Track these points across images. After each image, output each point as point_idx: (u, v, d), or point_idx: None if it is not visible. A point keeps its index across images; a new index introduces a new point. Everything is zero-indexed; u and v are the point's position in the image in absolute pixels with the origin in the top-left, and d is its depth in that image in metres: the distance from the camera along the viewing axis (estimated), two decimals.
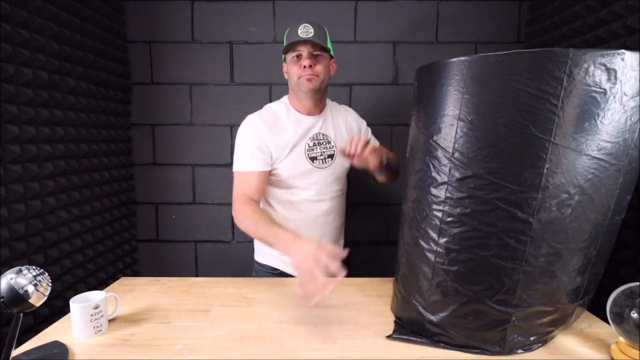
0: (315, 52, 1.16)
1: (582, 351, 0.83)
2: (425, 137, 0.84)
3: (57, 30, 1.25)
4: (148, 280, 1.21)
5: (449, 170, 0.78)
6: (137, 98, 1.76)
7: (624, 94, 0.70)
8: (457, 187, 0.77)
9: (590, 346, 0.85)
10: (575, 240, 0.77)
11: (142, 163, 1.81)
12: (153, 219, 1.84)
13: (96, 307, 0.87)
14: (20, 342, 0.82)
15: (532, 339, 0.82)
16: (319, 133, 1.25)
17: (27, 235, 1.15)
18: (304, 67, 1.15)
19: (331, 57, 1.23)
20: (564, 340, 0.87)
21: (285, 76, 1.25)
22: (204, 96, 1.75)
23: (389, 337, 0.88)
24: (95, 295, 0.90)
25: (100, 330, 0.88)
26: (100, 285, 1.51)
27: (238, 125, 1.23)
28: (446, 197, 0.79)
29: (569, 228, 0.75)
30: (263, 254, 1.36)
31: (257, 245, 1.39)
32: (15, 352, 0.79)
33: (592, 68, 0.67)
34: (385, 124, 1.75)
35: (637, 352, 0.75)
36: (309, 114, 1.24)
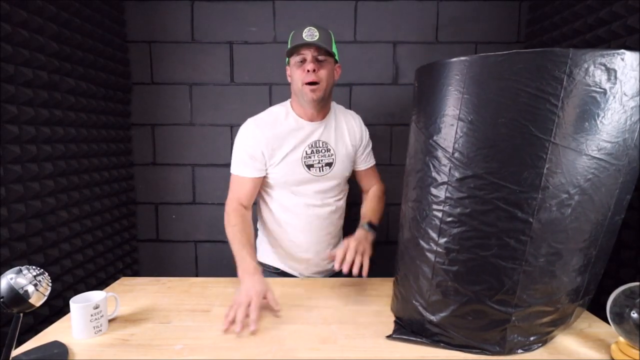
0: (320, 57, 1.13)
1: (582, 351, 0.83)
2: (425, 137, 0.84)
3: (57, 30, 1.25)
4: (148, 280, 1.21)
5: (449, 170, 0.78)
6: (137, 98, 1.76)
7: (624, 94, 0.70)
8: (457, 187, 0.77)
9: (590, 346, 0.85)
10: (575, 240, 0.77)
11: (142, 163, 1.81)
12: (153, 219, 1.84)
13: (96, 307, 0.87)
14: (20, 342, 0.82)
15: (532, 339, 0.82)
16: (319, 140, 1.22)
17: (27, 235, 1.15)
18: (308, 71, 1.12)
19: (336, 61, 1.20)
20: (564, 340, 0.87)
21: (289, 79, 1.23)
22: (204, 96, 1.75)
23: (389, 337, 0.88)
24: (95, 295, 0.91)
25: (100, 330, 0.88)
26: (100, 285, 1.51)
27: (238, 125, 1.24)
28: (446, 197, 0.79)
29: (569, 228, 0.75)
30: (266, 254, 1.37)
31: (260, 246, 1.39)
32: (15, 352, 0.79)
33: (592, 68, 0.67)
34: (385, 124, 1.75)
35: (637, 352, 0.75)
36: (310, 120, 1.21)
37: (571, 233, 0.76)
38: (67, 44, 1.31)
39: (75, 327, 0.86)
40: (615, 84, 0.69)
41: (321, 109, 1.20)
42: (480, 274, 0.78)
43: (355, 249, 1.07)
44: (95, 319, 0.87)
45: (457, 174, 0.77)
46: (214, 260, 1.85)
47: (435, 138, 0.81)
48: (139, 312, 1.00)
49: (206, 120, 1.77)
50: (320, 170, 1.22)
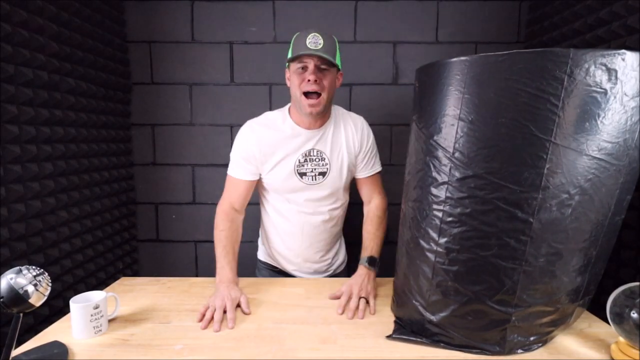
0: (323, 66, 1.09)
1: (582, 351, 0.83)
2: (425, 137, 0.84)
3: (57, 30, 1.25)
4: (148, 280, 1.21)
5: (450, 170, 0.78)
6: (137, 98, 1.76)
7: (625, 94, 0.70)
8: (458, 187, 0.77)
9: (590, 346, 0.85)
10: (575, 240, 0.77)
11: (142, 163, 1.81)
12: (153, 219, 1.84)
13: (96, 307, 0.87)
14: (20, 342, 0.82)
15: (532, 339, 0.82)
16: (313, 149, 1.18)
17: (27, 235, 1.15)
18: (308, 80, 1.08)
19: (338, 69, 1.16)
20: (564, 340, 0.87)
21: (288, 83, 1.19)
22: (204, 96, 1.75)
23: (389, 337, 0.88)
24: (95, 295, 0.90)
25: (100, 330, 0.88)
26: (100, 285, 1.51)
27: (238, 125, 1.24)
28: (446, 197, 0.79)
29: (569, 228, 0.75)
30: (265, 253, 1.39)
31: (261, 243, 1.41)
32: (15, 352, 0.79)
33: (592, 68, 0.67)
34: (385, 124, 1.75)
35: (637, 352, 0.75)
36: (307, 128, 1.17)
37: (571, 233, 0.76)
38: (67, 44, 1.31)
39: (75, 327, 0.86)
40: (615, 84, 0.69)
41: (319, 118, 1.16)
42: (480, 274, 0.78)
43: (359, 295, 1.04)
44: (95, 319, 0.87)
45: (457, 174, 0.77)
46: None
47: (435, 138, 0.81)
48: (139, 312, 1.00)
49: (206, 120, 1.77)
50: (313, 179, 1.19)
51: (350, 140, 1.21)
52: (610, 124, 0.71)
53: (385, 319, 0.98)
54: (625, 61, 0.68)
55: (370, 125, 1.27)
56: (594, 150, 0.71)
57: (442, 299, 0.83)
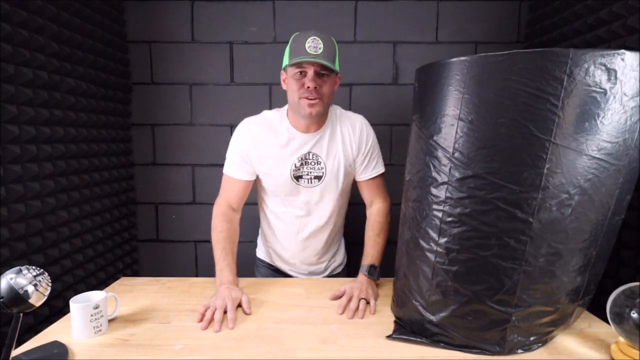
0: (322, 71, 1.05)
1: (582, 351, 0.83)
2: (425, 137, 0.84)
3: (57, 30, 1.25)
4: (148, 280, 1.21)
5: (449, 170, 0.78)
6: (137, 98, 1.76)
7: (624, 94, 0.70)
8: (457, 187, 0.77)
9: (590, 346, 0.85)
10: (575, 240, 0.77)
11: (142, 163, 1.81)
12: (153, 219, 1.84)
13: (96, 307, 0.87)
14: (20, 342, 0.82)
15: (532, 339, 0.82)
16: (310, 152, 1.16)
17: (27, 235, 1.15)
18: (307, 87, 1.05)
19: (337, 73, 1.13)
20: (564, 340, 0.87)
21: (284, 86, 1.15)
22: (204, 96, 1.75)
23: (389, 337, 0.88)
24: (95, 295, 0.90)
25: (100, 330, 0.88)
26: (100, 285, 1.51)
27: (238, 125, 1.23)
28: (446, 197, 0.79)
29: (569, 228, 0.75)
30: (262, 251, 1.39)
31: (260, 242, 1.41)
32: (15, 352, 0.79)
33: (592, 68, 0.67)
34: (385, 124, 1.75)
35: (637, 352, 0.75)
36: (303, 131, 1.15)
37: (571, 233, 0.76)
38: (67, 44, 1.31)
39: (75, 327, 0.86)
40: (615, 84, 0.69)
41: (317, 121, 1.14)
42: (480, 274, 0.78)
43: (359, 297, 1.03)
44: (95, 319, 0.87)
45: (457, 174, 0.77)
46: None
47: (435, 138, 0.81)
48: (139, 312, 1.00)
49: (206, 120, 1.77)
50: (309, 182, 1.18)
51: (347, 143, 1.18)
52: (610, 124, 0.71)
53: (385, 319, 0.98)
54: (625, 61, 0.68)
55: (371, 125, 1.25)
56: (594, 150, 0.71)
57: (442, 299, 0.83)
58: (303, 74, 1.06)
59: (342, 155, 1.18)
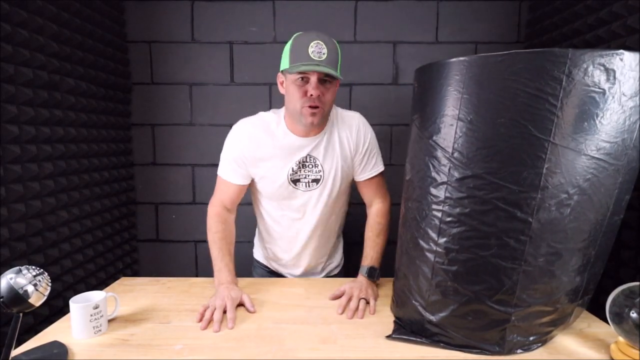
0: (325, 78, 1.01)
1: (582, 351, 0.83)
2: (425, 137, 0.84)
3: (57, 30, 1.25)
4: (148, 280, 1.21)
5: (449, 170, 0.78)
6: (137, 98, 1.76)
7: (623, 94, 0.70)
8: (457, 187, 0.78)
9: (590, 346, 0.85)
10: (574, 240, 0.77)
11: (142, 163, 1.81)
12: (153, 219, 1.84)
13: (96, 307, 0.87)
14: (20, 342, 0.82)
15: (531, 338, 0.82)
16: (308, 155, 1.13)
17: (27, 235, 1.15)
18: (311, 95, 1.01)
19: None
20: (564, 340, 0.87)
21: (281, 90, 1.11)
22: (204, 96, 1.76)
23: (388, 337, 0.88)
24: (95, 295, 0.91)
25: (100, 330, 0.88)
26: (100, 285, 1.51)
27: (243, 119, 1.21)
28: (446, 197, 0.79)
29: (568, 228, 0.75)
30: (259, 252, 1.39)
31: (256, 242, 1.40)
32: (15, 352, 0.79)
33: (591, 68, 0.67)
34: (385, 124, 1.75)
35: (637, 352, 0.75)
36: (303, 136, 1.12)
37: (570, 233, 0.76)
38: (67, 44, 1.32)
39: (75, 327, 0.86)
40: (614, 84, 0.69)
41: (315, 127, 1.10)
42: (480, 273, 0.78)
43: (359, 297, 1.03)
44: (95, 319, 0.87)
45: (456, 174, 0.77)
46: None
47: (434, 138, 0.81)
48: (139, 312, 1.00)
49: (206, 120, 1.77)
50: (307, 186, 1.15)
51: (345, 144, 1.15)
52: (609, 124, 0.71)
53: (385, 319, 0.98)
54: (624, 61, 0.68)
55: (370, 125, 1.23)
56: (593, 150, 0.71)
57: (441, 299, 0.83)
58: (305, 80, 1.01)
59: (340, 157, 1.15)
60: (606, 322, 0.82)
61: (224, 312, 0.96)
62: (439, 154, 0.80)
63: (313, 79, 1.00)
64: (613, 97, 0.69)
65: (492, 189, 0.74)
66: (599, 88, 0.68)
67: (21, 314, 0.72)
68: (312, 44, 0.98)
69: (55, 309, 1.24)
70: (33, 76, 1.16)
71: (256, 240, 1.41)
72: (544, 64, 0.68)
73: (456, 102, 0.76)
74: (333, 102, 1.10)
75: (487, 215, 0.75)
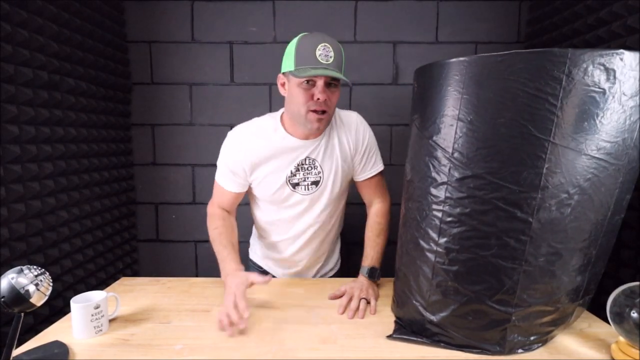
0: (332, 81, 1.00)
1: (582, 351, 0.83)
2: (425, 138, 0.84)
3: (57, 30, 1.25)
4: (148, 280, 1.21)
5: (449, 170, 0.78)
6: (137, 98, 1.76)
7: (623, 93, 0.70)
8: (457, 187, 0.78)
9: (590, 346, 0.85)
10: (575, 240, 0.77)
11: (142, 163, 1.81)
12: (153, 219, 1.84)
13: (97, 307, 0.87)
14: (20, 342, 0.82)
15: (532, 338, 0.82)
16: (307, 157, 1.12)
17: (27, 235, 1.15)
18: (317, 99, 0.99)
19: None
20: (564, 340, 0.87)
21: (282, 92, 1.09)
22: (204, 96, 1.76)
23: (389, 337, 0.88)
24: (96, 295, 0.91)
25: (101, 330, 0.88)
26: (100, 285, 1.51)
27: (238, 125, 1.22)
28: (446, 197, 0.79)
29: (569, 228, 0.75)
30: (255, 252, 1.38)
31: (252, 243, 1.40)
32: (15, 352, 0.79)
33: (591, 68, 0.67)
34: (385, 124, 1.75)
35: (638, 352, 0.75)
36: (303, 138, 1.10)
37: (571, 233, 0.76)
38: (67, 44, 1.32)
39: (75, 327, 0.86)
40: (614, 83, 0.69)
41: (319, 130, 1.09)
42: (480, 273, 0.78)
43: (359, 297, 1.03)
44: (96, 319, 0.87)
45: (456, 174, 0.77)
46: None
47: (434, 138, 0.81)
48: (139, 312, 1.00)
49: (206, 120, 1.77)
50: (306, 189, 1.14)
51: (345, 144, 1.14)
52: (609, 124, 0.71)
53: (386, 319, 0.98)
54: (624, 61, 0.68)
55: (370, 125, 1.22)
56: (593, 150, 0.71)
57: (442, 299, 0.83)
58: (311, 83, 0.99)
59: (339, 157, 1.14)
60: (607, 322, 0.82)
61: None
62: (439, 154, 0.80)
63: (320, 82, 0.98)
64: (613, 96, 0.69)
65: (492, 189, 0.74)
66: (599, 88, 0.68)
67: (22, 314, 0.72)
68: (319, 46, 0.97)
69: (56, 309, 1.24)
70: (33, 76, 1.16)
71: (252, 240, 1.40)
72: (544, 64, 0.68)
73: (456, 102, 0.76)
74: (335, 105, 1.09)
75: (487, 215, 0.75)
